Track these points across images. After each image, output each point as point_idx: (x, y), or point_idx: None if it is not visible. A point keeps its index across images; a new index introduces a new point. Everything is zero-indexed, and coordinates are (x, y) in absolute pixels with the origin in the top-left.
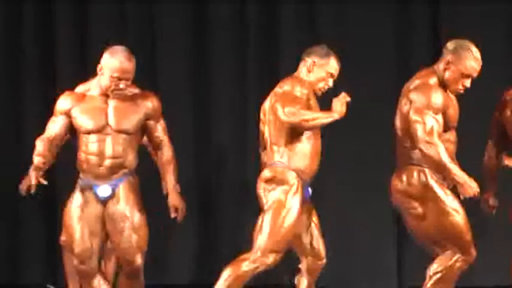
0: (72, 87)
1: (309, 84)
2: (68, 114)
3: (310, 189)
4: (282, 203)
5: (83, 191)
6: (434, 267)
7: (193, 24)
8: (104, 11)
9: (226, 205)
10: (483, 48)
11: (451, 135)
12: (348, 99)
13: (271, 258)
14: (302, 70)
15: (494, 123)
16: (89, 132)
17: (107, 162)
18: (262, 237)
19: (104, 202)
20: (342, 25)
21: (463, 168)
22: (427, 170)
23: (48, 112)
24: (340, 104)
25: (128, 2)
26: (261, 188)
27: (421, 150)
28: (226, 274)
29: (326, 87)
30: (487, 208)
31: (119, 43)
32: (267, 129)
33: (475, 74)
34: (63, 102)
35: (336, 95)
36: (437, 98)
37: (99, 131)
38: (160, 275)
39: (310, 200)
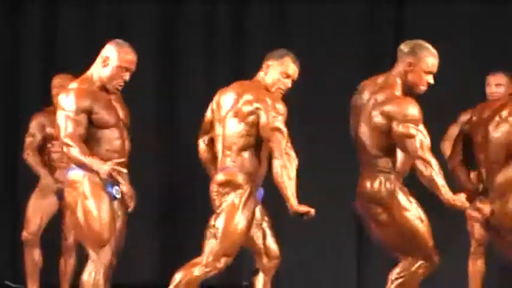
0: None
1: (266, 87)
2: (90, 111)
3: (262, 191)
4: (235, 207)
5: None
6: (397, 272)
7: (162, 25)
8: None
9: (192, 204)
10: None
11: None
12: None
13: (222, 262)
14: (261, 74)
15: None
16: (111, 127)
17: (125, 158)
18: (214, 242)
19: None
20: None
21: None
22: (392, 177)
23: None
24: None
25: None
26: (214, 191)
27: (416, 166)
28: (178, 278)
29: (283, 87)
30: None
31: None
32: (221, 131)
33: (435, 70)
34: (82, 100)
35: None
36: (416, 108)
37: (117, 126)
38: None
39: (263, 201)
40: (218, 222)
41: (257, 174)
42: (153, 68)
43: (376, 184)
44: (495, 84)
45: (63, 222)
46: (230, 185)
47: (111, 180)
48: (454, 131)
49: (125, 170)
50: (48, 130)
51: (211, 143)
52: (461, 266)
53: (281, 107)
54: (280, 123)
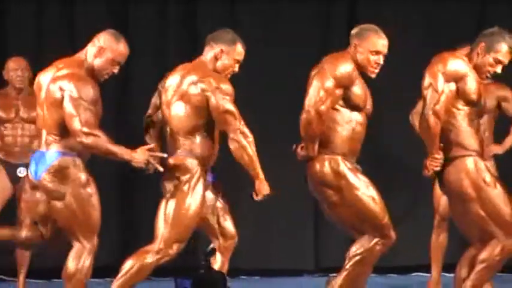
0: None
1: (215, 70)
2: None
3: (211, 175)
4: (184, 193)
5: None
6: (354, 250)
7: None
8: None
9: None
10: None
11: (360, 116)
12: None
13: (174, 249)
14: (208, 55)
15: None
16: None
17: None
18: (165, 228)
19: None
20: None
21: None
22: (339, 158)
23: None
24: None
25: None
26: (165, 177)
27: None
28: (129, 265)
29: (232, 72)
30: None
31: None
32: (168, 115)
33: (384, 50)
34: (95, 89)
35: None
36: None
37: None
38: None
39: (216, 182)
40: (168, 208)
41: (209, 156)
42: None
43: (323, 166)
44: None
45: (19, 207)
46: (179, 170)
47: None
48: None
49: (164, 154)
50: (0, 113)
51: (156, 127)
52: (422, 238)
53: (227, 86)
54: (229, 104)
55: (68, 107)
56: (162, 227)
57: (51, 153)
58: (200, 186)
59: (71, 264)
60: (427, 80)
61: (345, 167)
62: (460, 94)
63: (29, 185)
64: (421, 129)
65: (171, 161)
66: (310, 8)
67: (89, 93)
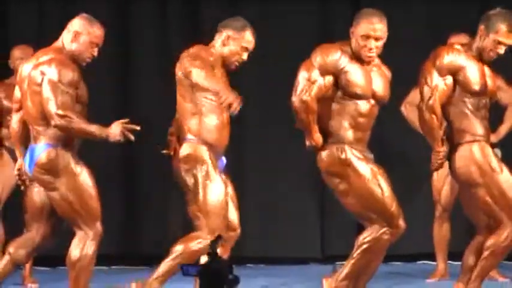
0: None
1: (220, 56)
2: (76, 85)
3: (224, 160)
4: (206, 180)
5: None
6: (362, 238)
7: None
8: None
9: (152, 177)
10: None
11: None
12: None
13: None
14: (217, 42)
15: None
16: (83, 104)
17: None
18: (205, 217)
19: None
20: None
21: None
22: (345, 146)
23: None
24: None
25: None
26: (181, 168)
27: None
28: (178, 251)
29: (240, 60)
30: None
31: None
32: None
33: (373, 33)
34: (71, 72)
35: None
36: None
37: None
38: None
39: (226, 171)
40: (200, 199)
41: (215, 144)
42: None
43: (330, 155)
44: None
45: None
46: (192, 158)
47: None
48: (415, 94)
49: (137, 127)
50: (6, 103)
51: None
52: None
53: (68, 73)
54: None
55: (46, 90)
56: (201, 217)
57: (40, 146)
58: (216, 171)
59: (74, 251)
60: (422, 75)
61: (351, 155)
62: (461, 86)
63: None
64: (420, 125)
65: (184, 150)
66: (312, 5)
67: (67, 76)
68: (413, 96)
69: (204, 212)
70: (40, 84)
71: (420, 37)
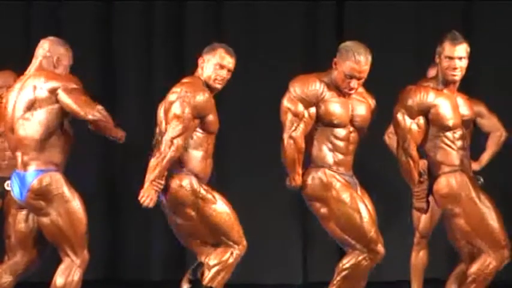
0: None
1: (204, 81)
2: None
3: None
4: (210, 200)
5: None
6: (341, 265)
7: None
8: None
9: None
10: (388, 43)
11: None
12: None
13: (244, 244)
14: (199, 69)
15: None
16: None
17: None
18: (225, 232)
19: None
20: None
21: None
22: (327, 170)
23: None
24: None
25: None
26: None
27: None
28: (215, 268)
29: (219, 78)
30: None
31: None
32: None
33: (357, 75)
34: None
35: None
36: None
37: None
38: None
39: None
40: (211, 215)
41: (201, 174)
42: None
43: (310, 179)
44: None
45: (6, 222)
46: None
47: None
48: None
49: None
50: None
51: None
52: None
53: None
54: None
55: (64, 98)
56: (222, 232)
57: (30, 172)
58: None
59: (59, 278)
60: (394, 119)
61: (333, 178)
62: (434, 123)
63: (15, 206)
64: (399, 166)
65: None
66: (297, 12)
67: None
68: None
69: (222, 232)
70: (34, 99)
71: (408, 65)
